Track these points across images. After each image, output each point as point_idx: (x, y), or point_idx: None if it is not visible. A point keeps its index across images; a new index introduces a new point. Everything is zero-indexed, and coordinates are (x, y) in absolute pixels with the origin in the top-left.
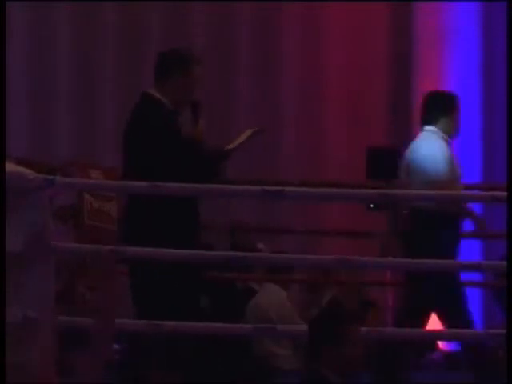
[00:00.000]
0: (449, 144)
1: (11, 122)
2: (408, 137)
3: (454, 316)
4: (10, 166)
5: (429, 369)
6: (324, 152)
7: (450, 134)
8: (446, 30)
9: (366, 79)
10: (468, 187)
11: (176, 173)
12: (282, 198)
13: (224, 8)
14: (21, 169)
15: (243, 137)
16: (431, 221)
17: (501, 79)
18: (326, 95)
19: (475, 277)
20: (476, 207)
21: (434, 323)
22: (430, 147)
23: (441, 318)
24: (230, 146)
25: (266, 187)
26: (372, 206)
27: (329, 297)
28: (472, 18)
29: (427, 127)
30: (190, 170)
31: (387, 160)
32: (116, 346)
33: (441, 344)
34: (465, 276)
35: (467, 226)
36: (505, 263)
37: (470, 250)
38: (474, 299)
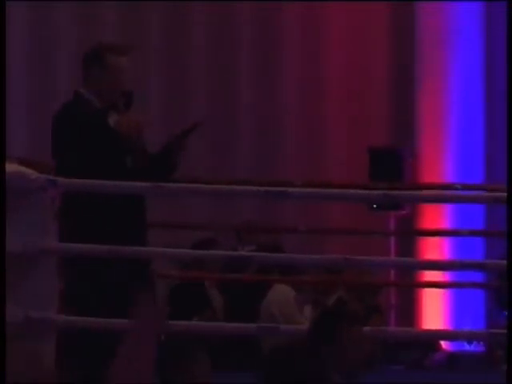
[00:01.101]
0: None
1: (11, 122)
2: (409, 137)
3: None
4: (11, 167)
5: (431, 368)
6: (324, 152)
7: None
8: (447, 29)
9: (366, 79)
10: (471, 187)
11: (98, 170)
12: (285, 198)
13: (224, 8)
14: (23, 169)
15: (185, 128)
16: None
17: (503, 79)
18: (326, 95)
19: (479, 277)
20: (478, 208)
21: (435, 323)
22: None
23: None
24: (173, 138)
25: (269, 188)
26: (375, 206)
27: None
28: (474, 17)
29: None
30: (113, 169)
31: (389, 160)
32: None
33: (444, 344)
34: (469, 276)
35: (472, 224)
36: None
37: (473, 249)
38: (478, 299)
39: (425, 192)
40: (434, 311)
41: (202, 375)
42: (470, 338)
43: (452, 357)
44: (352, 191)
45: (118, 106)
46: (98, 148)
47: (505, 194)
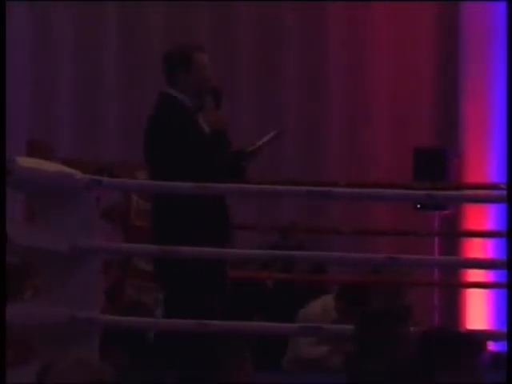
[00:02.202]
0: None
1: (57, 122)
2: (454, 137)
3: None
4: (56, 166)
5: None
6: (369, 153)
7: None
8: (492, 29)
9: (411, 80)
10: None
11: (197, 172)
12: (329, 198)
13: (270, 8)
14: (67, 169)
15: (265, 139)
16: None
17: None
18: (371, 96)
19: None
20: (501, 207)
21: (479, 323)
22: None
23: None
24: (252, 148)
25: (313, 188)
26: (419, 206)
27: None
28: (505, 18)
29: None
30: (211, 170)
31: (434, 161)
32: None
33: (488, 344)
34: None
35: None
36: None
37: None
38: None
39: (468, 192)
40: (478, 311)
41: (245, 374)
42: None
43: (496, 357)
44: (396, 191)
45: (204, 104)
46: (195, 148)
47: None
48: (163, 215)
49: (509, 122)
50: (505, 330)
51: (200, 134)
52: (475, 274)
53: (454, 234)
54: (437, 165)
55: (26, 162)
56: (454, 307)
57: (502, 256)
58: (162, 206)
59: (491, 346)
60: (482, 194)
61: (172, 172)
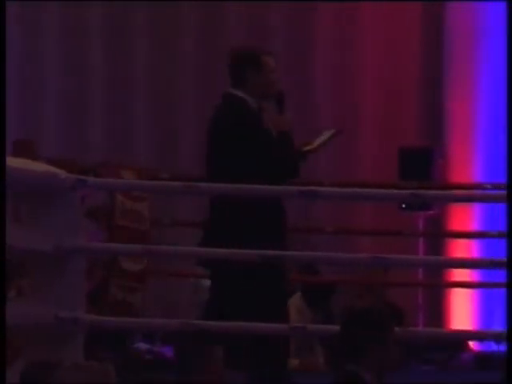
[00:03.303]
0: None
1: (44, 122)
2: (439, 137)
3: None
4: (41, 166)
5: (459, 368)
6: (355, 152)
7: None
8: (478, 30)
9: (396, 79)
10: (500, 187)
11: (264, 171)
12: (315, 198)
13: (257, 8)
14: (53, 169)
15: (323, 138)
16: None
17: None
18: (357, 95)
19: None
20: (486, 208)
21: (463, 323)
22: None
23: None
24: (310, 147)
25: (299, 187)
26: (404, 206)
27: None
28: (504, 17)
29: None
30: (279, 168)
31: (419, 161)
32: (147, 346)
33: (472, 344)
34: (498, 276)
35: (502, 225)
36: None
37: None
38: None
39: (454, 192)
40: (463, 311)
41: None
42: (498, 338)
43: (480, 357)
44: (380, 191)
45: (265, 106)
46: (266, 149)
47: None
48: (221, 217)
49: (509, 121)
50: (488, 329)
51: (269, 134)
52: (460, 274)
53: (438, 234)
54: (422, 165)
55: (12, 162)
56: (438, 307)
57: (486, 256)
58: (220, 209)
59: (475, 346)
60: (467, 194)
61: (240, 173)
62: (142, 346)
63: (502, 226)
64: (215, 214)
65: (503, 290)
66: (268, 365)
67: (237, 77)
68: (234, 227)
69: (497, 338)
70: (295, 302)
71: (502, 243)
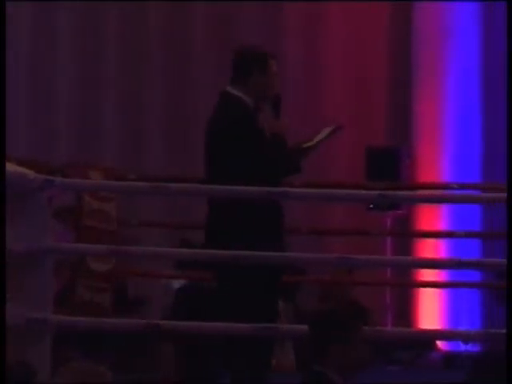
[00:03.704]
0: None
1: (10, 123)
2: (406, 137)
3: None
4: (10, 167)
5: (427, 368)
6: (323, 152)
7: None
8: (445, 30)
9: (364, 79)
10: (467, 187)
11: (258, 171)
12: (285, 198)
13: (224, 8)
14: (22, 169)
15: (322, 134)
16: None
17: (499, 79)
18: (324, 95)
19: (475, 277)
20: (475, 208)
21: (431, 323)
22: None
23: None
24: (310, 144)
25: (269, 188)
26: (371, 206)
27: None
28: (472, 18)
29: None
30: (272, 168)
31: (386, 161)
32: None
33: (439, 344)
34: (465, 276)
35: (469, 225)
36: (505, 261)
37: (469, 251)
38: (474, 299)
39: (421, 192)
40: (430, 311)
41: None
42: (465, 337)
43: (448, 356)
44: (348, 191)
45: (261, 108)
46: (259, 148)
47: (502, 194)
48: (219, 218)
49: (509, 121)
50: (456, 329)
51: (263, 134)
52: (427, 274)
53: (406, 234)
54: (389, 164)
55: None
56: (406, 307)
57: (454, 256)
58: (217, 209)
59: (442, 345)
60: (435, 194)
61: (235, 172)
62: None
63: (469, 226)
64: (213, 216)
65: (470, 290)
66: (251, 365)
67: (240, 75)
68: (231, 228)
69: (464, 337)
70: None
71: (470, 243)
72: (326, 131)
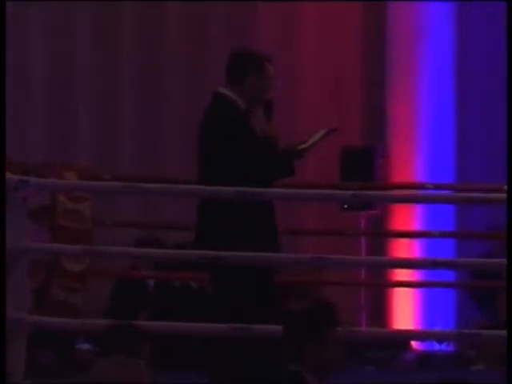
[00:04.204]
0: None
1: None
2: (381, 137)
3: None
4: None
5: (401, 368)
6: None
7: None
8: (419, 30)
9: (338, 79)
10: (441, 187)
11: (251, 172)
12: (259, 198)
13: (198, 8)
14: None
15: (316, 136)
16: None
17: (473, 79)
18: (298, 95)
19: (450, 277)
20: (449, 208)
21: (406, 323)
22: None
23: None
24: (303, 146)
25: (242, 188)
26: (345, 206)
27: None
28: (445, 18)
29: None
30: (265, 170)
31: (360, 161)
32: (87, 347)
33: (414, 344)
34: (440, 276)
35: (443, 225)
36: (479, 261)
37: (443, 250)
38: (448, 299)
39: (395, 192)
40: (405, 311)
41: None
42: (440, 337)
43: (422, 356)
44: (322, 191)
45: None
46: (251, 149)
47: (476, 194)
48: (211, 219)
49: (509, 121)
50: (431, 329)
51: (255, 135)
52: (402, 274)
53: (380, 234)
54: (363, 164)
55: None
56: (380, 307)
57: (428, 255)
58: (209, 210)
59: (417, 345)
60: (409, 194)
61: (227, 172)
62: (84, 346)
63: (443, 226)
64: (203, 216)
65: (445, 290)
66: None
67: (236, 76)
68: (222, 228)
69: (439, 337)
70: None
71: (444, 243)
72: (319, 134)
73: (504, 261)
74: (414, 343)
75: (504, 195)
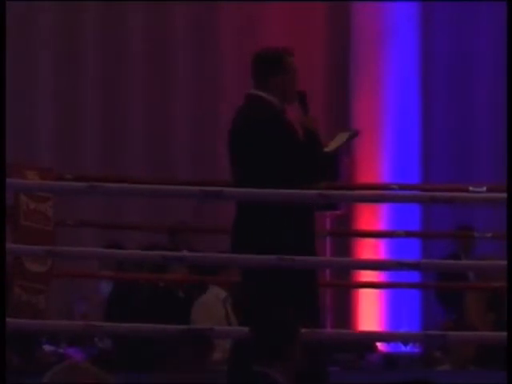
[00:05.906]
0: None
1: None
2: None
3: None
4: None
5: (367, 369)
6: None
7: None
8: (383, 30)
9: (302, 79)
10: (407, 188)
11: (293, 173)
12: (220, 198)
13: (161, 10)
14: None
15: (340, 140)
16: None
17: (438, 78)
18: None
19: (415, 278)
20: (414, 209)
21: (371, 324)
22: None
23: None
24: (326, 150)
25: (205, 188)
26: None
27: None
28: (410, 17)
29: None
30: (309, 169)
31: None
32: (52, 348)
33: (380, 345)
34: (405, 277)
35: (408, 225)
36: (445, 262)
37: (409, 250)
38: (414, 300)
39: (360, 192)
40: (370, 312)
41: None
42: (406, 339)
43: (388, 358)
44: (287, 191)
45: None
46: (295, 150)
47: (441, 194)
48: (248, 222)
49: (509, 121)
50: (396, 330)
51: (298, 136)
52: (367, 275)
53: (345, 234)
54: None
55: None
56: (346, 308)
57: (393, 255)
58: (246, 212)
59: (383, 347)
60: (373, 194)
61: (269, 174)
62: (48, 348)
63: (408, 226)
64: (240, 218)
65: (410, 291)
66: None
67: (261, 78)
68: (259, 230)
69: (404, 339)
70: (216, 289)
71: (409, 243)
72: (343, 136)
73: (504, 262)
74: (379, 345)
75: (469, 195)
